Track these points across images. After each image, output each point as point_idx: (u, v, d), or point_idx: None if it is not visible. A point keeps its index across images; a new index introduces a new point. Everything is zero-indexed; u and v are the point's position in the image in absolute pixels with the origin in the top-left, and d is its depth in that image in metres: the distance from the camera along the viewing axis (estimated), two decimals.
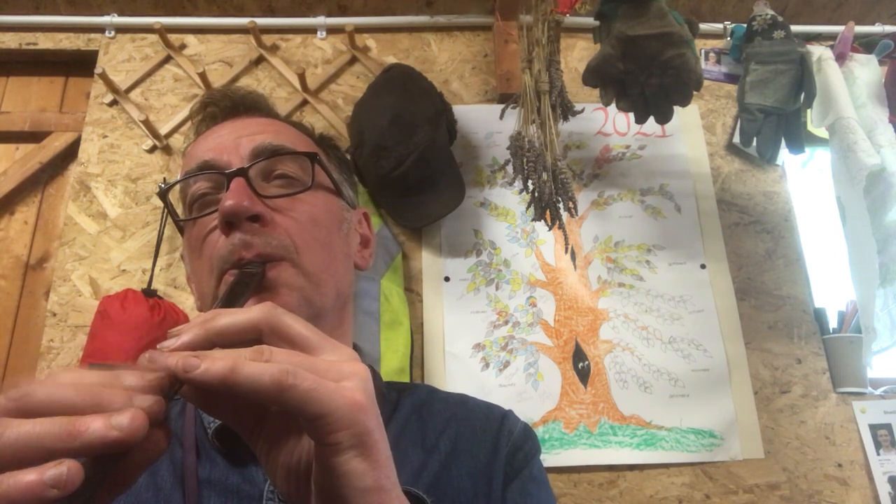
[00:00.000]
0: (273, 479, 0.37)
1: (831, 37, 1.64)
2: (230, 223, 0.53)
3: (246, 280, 0.50)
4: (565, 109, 1.22)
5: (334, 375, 0.34)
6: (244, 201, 0.52)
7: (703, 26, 1.50)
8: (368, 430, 0.33)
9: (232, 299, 0.47)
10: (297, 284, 0.53)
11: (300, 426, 0.36)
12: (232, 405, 0.38)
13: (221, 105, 0.64)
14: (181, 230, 0.62)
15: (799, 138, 1.39)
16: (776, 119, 1.37)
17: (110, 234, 1.53)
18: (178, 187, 0.61)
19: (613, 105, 1.25)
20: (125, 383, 0.31)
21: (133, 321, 1.24)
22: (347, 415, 0.32)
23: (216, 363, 0.31)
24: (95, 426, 0.28)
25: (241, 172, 0.55)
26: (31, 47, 1.70)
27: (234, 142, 0.58)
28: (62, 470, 0.26)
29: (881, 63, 1.58)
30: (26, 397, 0.30)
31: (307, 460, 0.36)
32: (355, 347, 0.66)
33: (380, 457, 0.34)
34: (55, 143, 1.65)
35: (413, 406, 0.63)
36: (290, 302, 0.52)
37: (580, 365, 1.45)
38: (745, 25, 1.48)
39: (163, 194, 0.61)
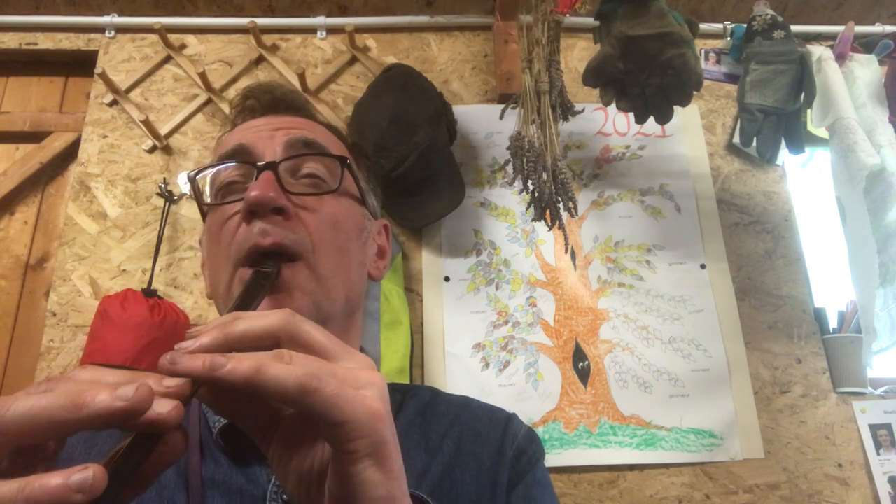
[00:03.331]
0: (284, 483, 0.37)
1: (831, 37, 1.64)
2: (253, 212, 0.53)
3: (261, 281, 0.50)
4: (565, 109, 1.22)
5: (353, 383, 0.34)
6: (270, 192, 0.52)
7: (703, 26, 1.50)
8: (385, 440, 0.34)
9: (247, 300, 0.47)
10: (309, 288, 0.53)
11: (314, 432, 0.36)
12: (247, 408, 0.38)
13: (262, 99, 0.64)
14: (204, 215, 0.62)
15: (799, 138, 1.39)
16: (776, 119, 1.37)
17: (110, 234, 1.53)
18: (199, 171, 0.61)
19: (613, 105, 1.25)
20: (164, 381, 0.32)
21: (133, 321, 1.24)
22: (367, 423, 0.33)
23: (242, 363, 0.32)
24: (101, 397, 0.28)
25: (272, 166, 0.55)
26: (31, 47, 1.70)
27: (269, 132, 0.58)
28: (87, 475, 0.26)
29: (881, 63, 1.58)
30: (64, 380, 0.30)
31: (320, 466, 0.36)
32: (361, 352, 0.66)
33: (394, 466, 0.34)
34: (55, 143, 1.65)
35: (416, 408, 0.63)
36: (301, 306, 0.52)
37: (580, 365, 1.45)
38: (745, 25, 1.49)
39: (192, 178, 0.60)
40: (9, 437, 0.28)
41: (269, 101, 0.64)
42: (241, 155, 0.57)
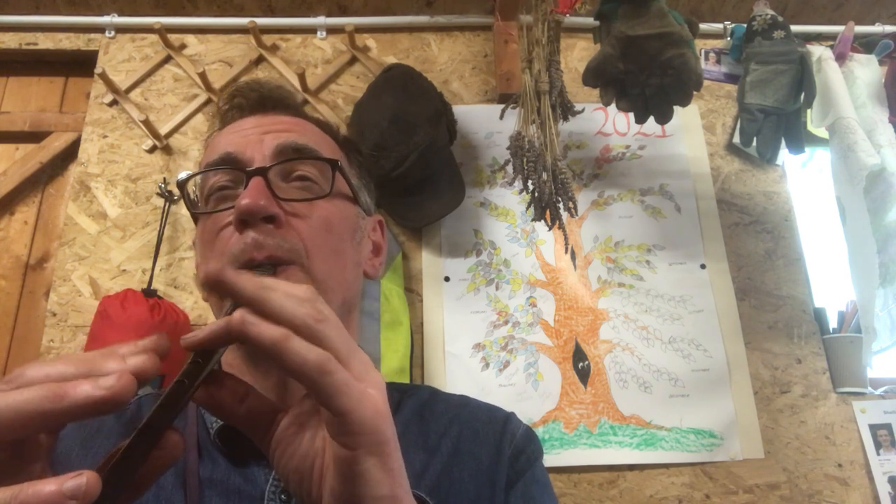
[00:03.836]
0: (286, 483, 0.38)
1: (831, 37, 1.64)
2: (245, 221, 0.53)
3: None
4: (565, 109, 1.22)
5: (360, 377, 0.35)
6: (261, 201, 0.52)
7: (703, 26, 1.50)
8: (387, 440, 0.34)
9: None
10: None
11: (315, 430, 0.37)
12: (243, 410, 0.38)
13: (249, 97, 0.63)
14: (195, 219, 0.62)
15: (799, 138, 1.39)
16: (776, 119, 1.37)
17: (110, 234, 1.53)
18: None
19: (613, 105, 1.25)
20: (120, 352, 0.33)
21: (133, 321, 1.24)
22: (370, 420, 0.33)
23: (273, 328, 0.33)
24: (82, 387, 0.29)
25: (261, 172, 0.54)
26: (31, 47, 1.70)
27: (258, 136, 0.58)
28: (81, 481, 0.27)
29: (881, 63, 1.58)
30: (19, 377, 0.30)
31: (321, 465, 0.36)
32: None
33: (395, 465, 0.35)
34: (55, 143, 1.65)
35: (414, 407, 0.63)
36: None
37: (580, 365, 1.45)
38: (745, 25, 1.49)
39: (181, 184, 0.60)
40: None
41: (256, 99, 0.63)
42: (230, 163, 0.57)
